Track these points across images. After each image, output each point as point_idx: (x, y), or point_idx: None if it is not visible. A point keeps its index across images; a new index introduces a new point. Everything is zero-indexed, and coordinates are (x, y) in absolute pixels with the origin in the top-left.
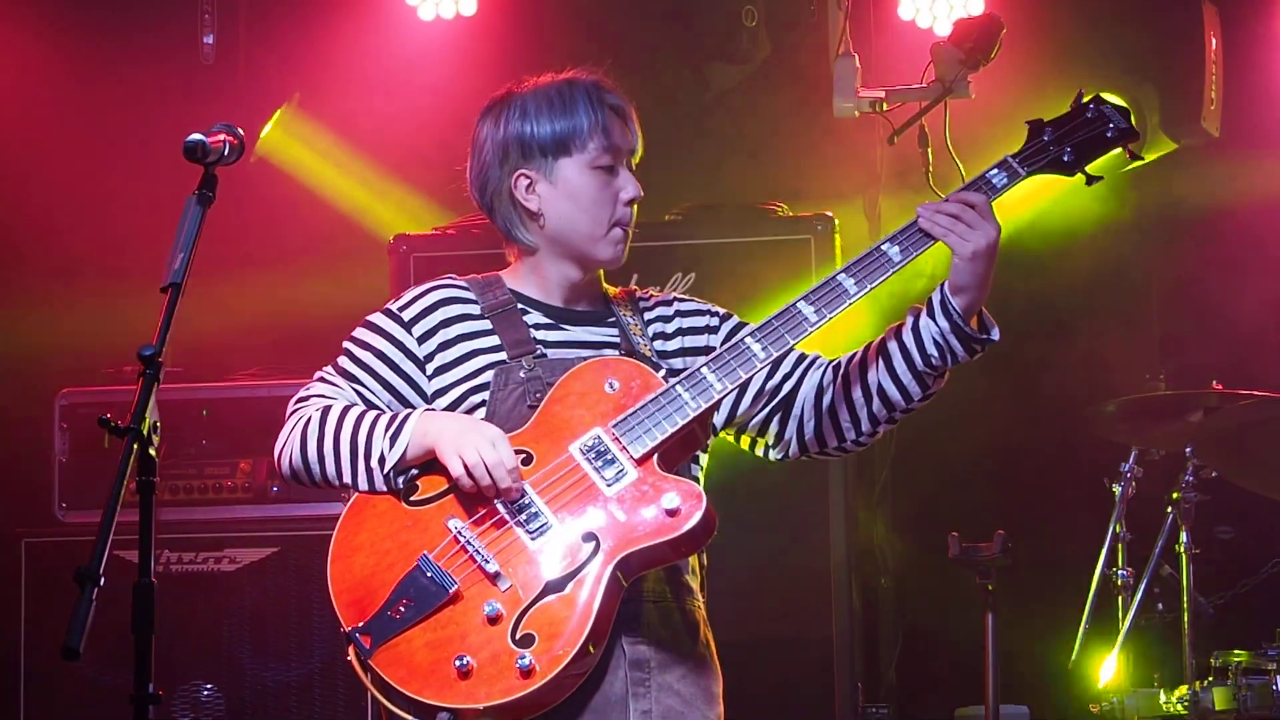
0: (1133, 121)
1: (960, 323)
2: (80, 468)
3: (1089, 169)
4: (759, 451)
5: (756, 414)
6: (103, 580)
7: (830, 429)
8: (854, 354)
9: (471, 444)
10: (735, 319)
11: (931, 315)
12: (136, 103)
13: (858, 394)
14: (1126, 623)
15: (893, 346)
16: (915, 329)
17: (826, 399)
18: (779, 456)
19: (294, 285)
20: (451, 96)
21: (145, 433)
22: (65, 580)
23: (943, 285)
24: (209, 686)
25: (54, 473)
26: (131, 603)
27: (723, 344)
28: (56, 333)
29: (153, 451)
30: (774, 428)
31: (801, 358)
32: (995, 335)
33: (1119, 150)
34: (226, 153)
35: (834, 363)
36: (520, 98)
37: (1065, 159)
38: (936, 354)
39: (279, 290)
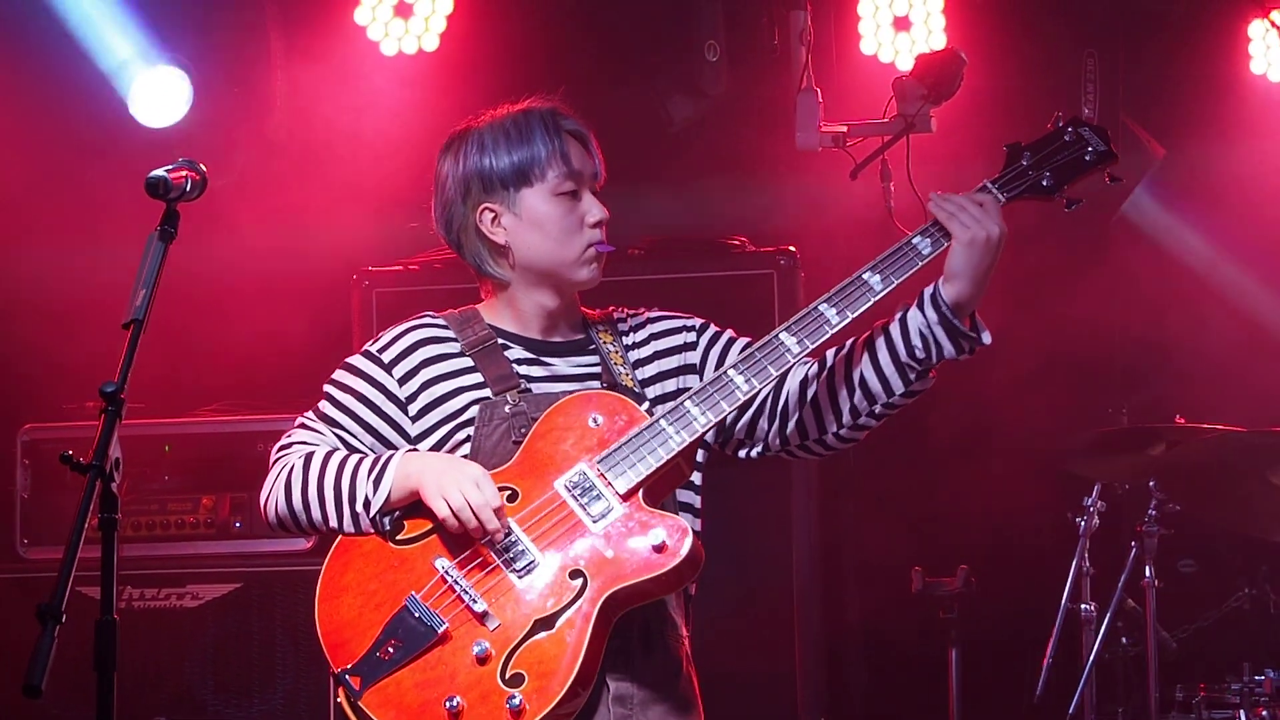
0: (1110, 143)
1: (948, 314)
2: (42, 504)
3: (1068, 192)
4: (739, 453)
5: (744, 418)
6: (64, 617)
7: (812, 420)
8: (842, 347)
9: (455, 485)
10: (713, 329)
11: (920, 307)
12: (97, 136)
13: (841, 385)
14: (1091, 657)
15: (879, 338)
16: (903, 320)
17: (810, 390)
18: (757, 453)
19: (256, 321)
20: (414, 131)
21: (107, 469)
22: (27, 617)
23: (936, 281)
24: None
25: (15, 509)
26: (94, 639)
27: (702, 360)
28: (18, 368)
29: (115, 488)
30: (761, 424)
31: None
32: (986, 338)
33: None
34: (189, 188)
35: (821, 358)
36: (477, 132)
37: (1045, 183)
38: (920, 345)
39: (241, 326)
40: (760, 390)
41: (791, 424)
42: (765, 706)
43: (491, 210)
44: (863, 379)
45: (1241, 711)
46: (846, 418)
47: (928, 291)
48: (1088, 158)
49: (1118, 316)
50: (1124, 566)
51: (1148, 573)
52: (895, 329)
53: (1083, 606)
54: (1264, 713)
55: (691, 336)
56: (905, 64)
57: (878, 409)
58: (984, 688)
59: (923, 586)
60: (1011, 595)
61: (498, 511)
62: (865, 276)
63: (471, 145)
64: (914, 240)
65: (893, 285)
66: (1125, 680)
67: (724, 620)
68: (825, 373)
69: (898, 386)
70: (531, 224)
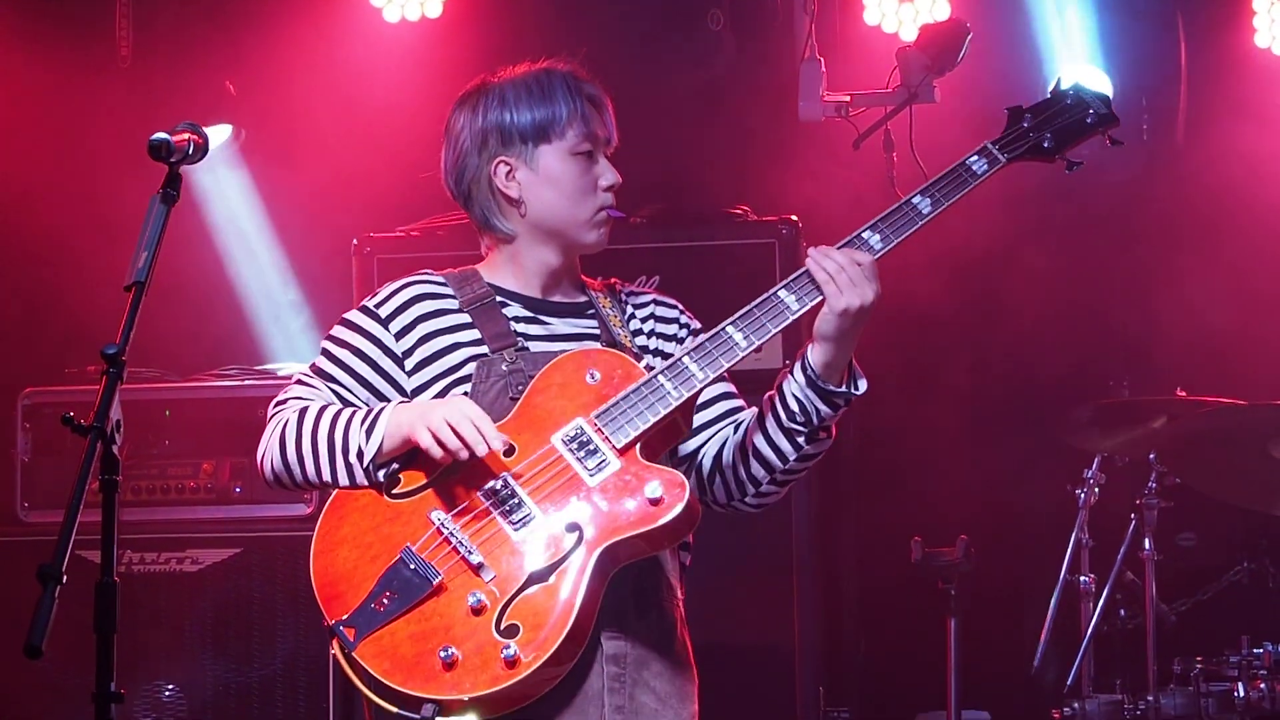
0: (1111, 107)
1: (816, 378)
2: (42, 468)
3: (1069, 155)
4: None
5: (677, 458)
6: (65, 578)
7: (722, 489)
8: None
9: (438, 414)
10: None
11: (793, 373)
12: (96, 102)
13: (739, 455)
14: (1089, 629)
15: (765, 407)
16: (780, 388)
17: (725, 456)
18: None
19: (258, 288)
20: (416, 98)
21: (108, 432)
22: (27, 579)
23: (808, 344)
24: (171, 687)
25: (16, 472)
26: (94, 602)
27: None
28: (19, 332)
29: (115, 450)
30: (692, 479)
31: (729, 411)
32: (858, 389)
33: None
34: (191, 151)
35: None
36: (498, 86)
37: (1045, 145)
38: (798, 409)
39: (243, 291)
40: (758, 346)
41: (710, 491)
42: (763, 676)
43: (507, 163)
44: (756, 449)
45: (1240, 684)
46: (749, 487)
47: (801, 355)
48: (1089, 120)
49: (1119, 288)
50: (1123, 539)
51: (1147, 545)
52: (776, 396)
53: (1081, 579)
54: (1262, 685)
55: (684, 334)
56: (909, 34)
57: (778, 476)
58: (982, 658)
59: (922, 556)
60: (1011, 566)
61: (484, 425)
62: (865, 235)
63: (492, 99)
64: (778, 293)
65: (891, 244)
66: (1123, 653)
67: (723, 589)
68: (735, 442)
69: (790, 452)
70: (547, 180)
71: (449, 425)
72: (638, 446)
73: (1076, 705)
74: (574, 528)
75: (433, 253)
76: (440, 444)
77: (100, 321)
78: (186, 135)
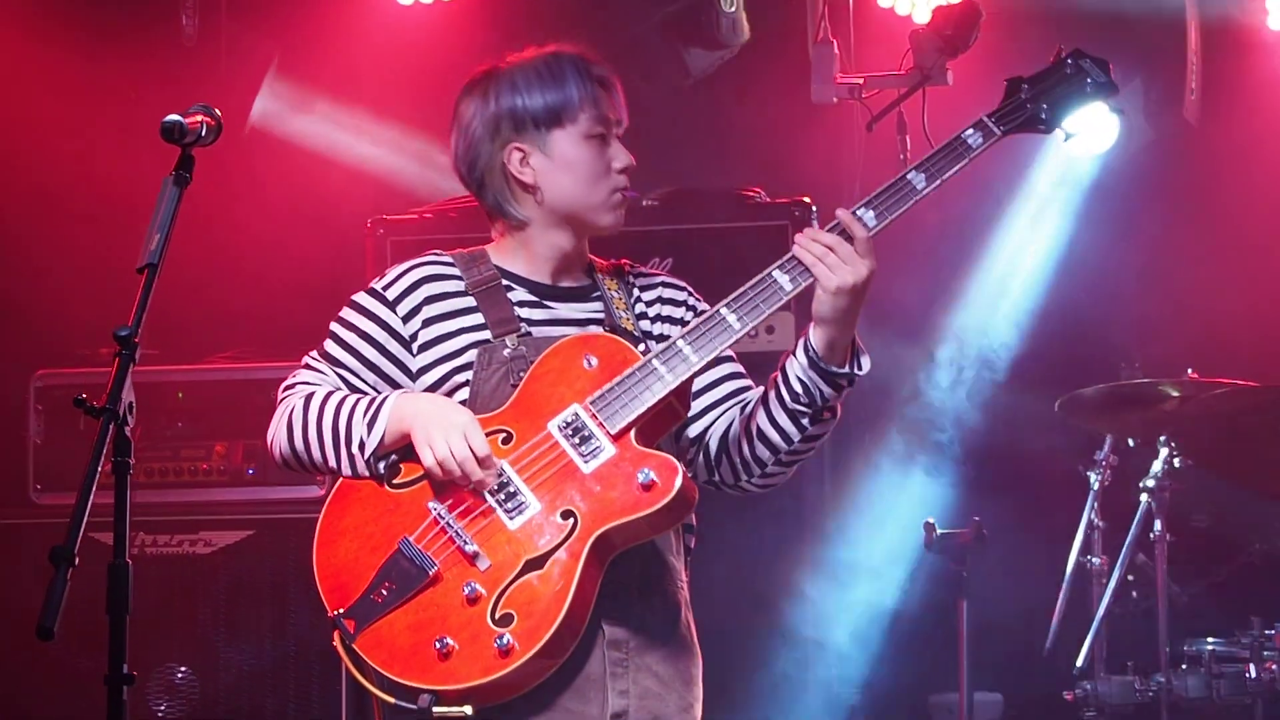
0: (1111, 75)
1: (817, 359)
2: (55, 450)
3: (1066, 125)
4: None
5: (685, 439)
6: (77, 560)
7: (728, 468)
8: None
9: (442, 434)
10: None
11: (795, 352)
12: (117, 85)
13: (745, 436)
14: (1100, 610)
15: (770, 389)
16: (784, 369)
17: (731, 437)
18: (704, 481)
19: (270, 269)
20: (430, 80)
21: (121, 414)
22: (39, 561)
23: (809, 325)
24: (183, 669)
25: (28, 454)
26: (106, 584)
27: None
28: (32, 314)
29: (128, 432)
30: (699, 459)
31: (736, 391)
32: (861, 368)
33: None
34: (204, 134)
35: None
36: (508, 72)
37: (1042, 115)
38: (801, 390)
39: (256, 273)
40: (752, 327)
41: (718, 472)
42: (776, 656)
43: (520, 150)
44: (761, 431)
45: (1251, 665)
46: (755, 468)
47: (801, 336)
48: (1087, 89)
49: (1130, 269)
50: (1135, 521)
51: (1158, 527)
52: (779, 378)
53: (1093, 560)
54: (1274, 666)
55: (690, 316)
56: (922, 16)
57: (783, 457)
58: (994, 640)
59: (935, 538)
60: (1023, 548)
61: (485, 461)
62: (859, 213)
63: (502, 85)
64: (772, 274)
65: (887, 221)
66: (1135, 634)
67: (735, 571)
68: (740, 424)
69: (794, 433)
70: (563, 166)
71: (451, 453)
72: (633, 432)
73: (1088, 687)
74: (569, 515)
75: (444, 234)
76: (440, 466)
77: (113, 303)
78: (200, 117)
